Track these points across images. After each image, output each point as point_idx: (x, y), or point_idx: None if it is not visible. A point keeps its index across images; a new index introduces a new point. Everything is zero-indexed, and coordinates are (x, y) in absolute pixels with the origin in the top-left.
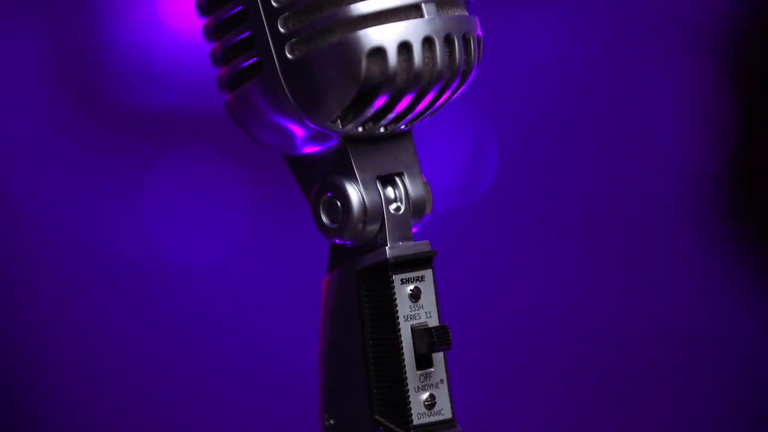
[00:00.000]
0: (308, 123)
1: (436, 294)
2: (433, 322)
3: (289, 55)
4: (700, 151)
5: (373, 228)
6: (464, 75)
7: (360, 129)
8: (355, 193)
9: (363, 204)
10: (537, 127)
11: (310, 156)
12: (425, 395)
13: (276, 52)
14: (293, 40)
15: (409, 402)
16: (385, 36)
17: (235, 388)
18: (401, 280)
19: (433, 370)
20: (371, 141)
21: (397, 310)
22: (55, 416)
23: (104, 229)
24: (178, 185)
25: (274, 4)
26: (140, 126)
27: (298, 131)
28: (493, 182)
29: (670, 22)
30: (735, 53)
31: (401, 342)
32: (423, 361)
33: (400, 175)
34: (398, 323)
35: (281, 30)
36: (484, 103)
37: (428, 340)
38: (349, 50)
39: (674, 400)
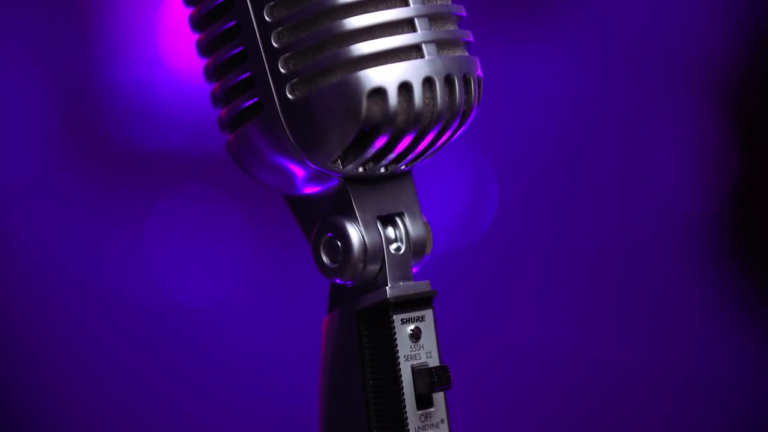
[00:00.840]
0: (309, 163)
1: (436, 334)
2: (434, 362)
3: (289, 96)
4: (700, 191)
5: (373, 268)
6: (464, 115)
7: (360, 169)
8: (355, 233)
9: (363, 244)
10: (537, 168)
11: (310, 196)
12: None
13: (277, 93)
14: (294, 80)
15: None
16: (386, 76)
17: (235, 426)
18: (402, 320)
19: (433, 410)
20: (372, 181)
21: (398, 350)
22: None
23: (105, 267)
24: (179, 225)
25: (275, 44)
26: (141, 166)
27: (298, 171)
28: (493, 223)
29: (671, 62)
30: (735, 94)
31: (402, 382)
32: (423, 401)
33: (401, 215)
34: (399, 363)
35: (282, 70)
36: (485, 143)
37: (429, 380)
38: (350, 90)
39: None
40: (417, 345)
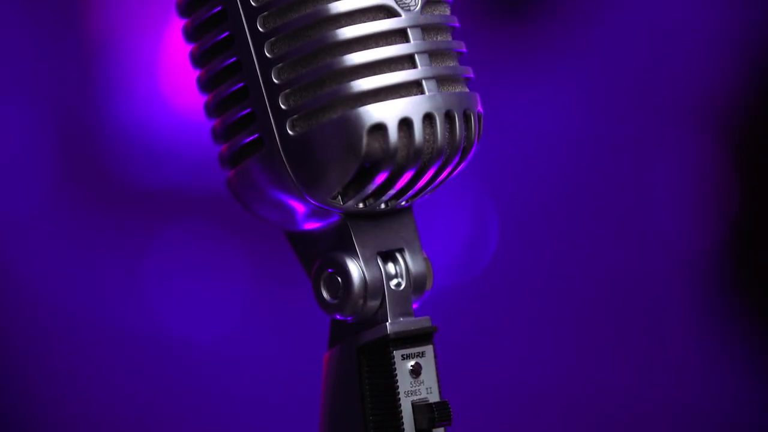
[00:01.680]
0: (309, 199)
1: (436, 370)
2: (434, 397)
3: (290, 132)
4: (700, 228)
5: (373, 304)
6: (465, 151)
7: (361, 205)
8: (355, 269)
9: (364, 280)
10: (537, 203)
11: (310, 232)
12: None
13: (277, 129)
14: (294, 116)
15: None
16: (386, 113)
17: None
18: (402, 355)
19: None
20: (372, 217)
21: (398, 386)
22: None
23: (105, 303)
24: (179, 261)
25: (275, 80)
26: (142, 202)
27: (299, 207)
28: (493, 258)
29: (672, 99)
30: (737, 131)
31: (402, 417)
32: None
33: (401, 251)
34: (399, 399)
35: (282, 106)
36: (485, 178)
37: (429, 415)
38: (350, 126)
39: None
40: (417, 381)
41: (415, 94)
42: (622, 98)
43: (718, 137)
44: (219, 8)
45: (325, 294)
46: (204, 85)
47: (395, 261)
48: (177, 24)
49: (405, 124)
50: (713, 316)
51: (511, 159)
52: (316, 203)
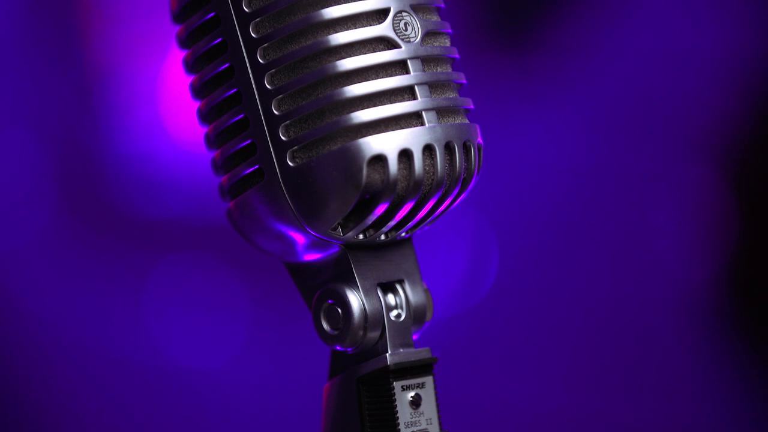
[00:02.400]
0: (309, 230)
1: (436, 401)
2: (434, 429)
3: (290, 163)
4: (700, 258)
5: (373, 335)
6: (465, 183)
7: (361, 236)
8: (356, 300)
9: (364, 311)
10: (536, 233)
11: (311, 263)
12: None
13: (277, 160)
14: (294, 147)
15: None
16: (386, 144)
17: None
18: (402, 386)
19: None
20: (372, 248)
21: (398, 417)
22: None
23: (106, 332)
24: (180, 292)
25: (275, 112)
26: (143, 234)
27: (299, 238)
28: (492, 288)
29: (672, 129)
30: (736, 162)
31: None
32: None
33: (401, 282)
34: (399, 430)
35: (283, 138)
36: (484, 209)
37: None
38: (350, 158)
39: None
40: (417, 412)
41: (415, 126)
42: (622, 128)
43: (718, 167)
44: (219, 40)
45: (325, 325)
46: (204, 116)
47: (395, 292)
48: (177, 55)
49: (405, 155)
50: (712, 346)
51: (510, 190)
52: (316, 234)
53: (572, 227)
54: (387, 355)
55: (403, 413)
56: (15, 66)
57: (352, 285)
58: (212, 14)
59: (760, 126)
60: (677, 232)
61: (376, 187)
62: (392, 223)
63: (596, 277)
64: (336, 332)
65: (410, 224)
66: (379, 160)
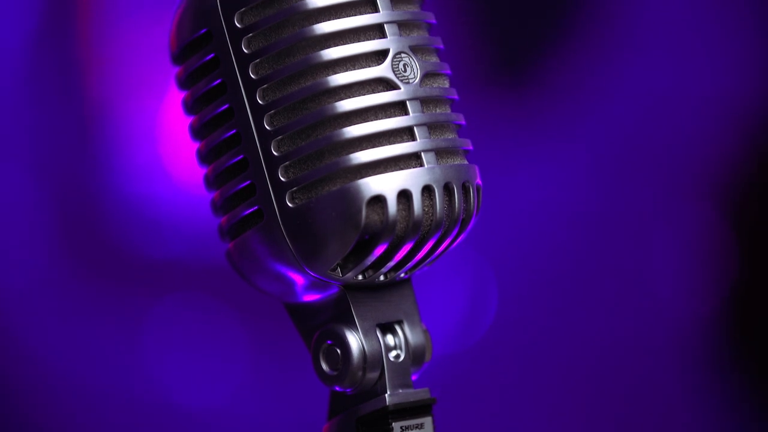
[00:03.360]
0: (308, 271)
1: None
2: None
3: (289, 204)
4: (699, 296)
5: (373, 375)
6: (464, 223)
7: (360, 277)
8: (355, 341)
9: (363, 352)
10: (536, 273)
11: (310, 304)
12: None
13: (276, 201)
14: (294, 188)
15: None
16: (385, 185)
17: None
18: (401, 427)
19: None
20: (371, 289)
21: None
22: None
23: (107, 373)
24: (179, 333)
25: (275, 153)
26: (142, 274)
27: (298, 279)
28: (491, 328)
29: (671, 168)
30: (735, 200)
31: None
32: None
33: (400, 322)
34: None
35: (282, 179)
36: (484, 249)
37: None
38: (349, 199)
39: None
40: None
41: (414, 167)
42: (621, 167)
43: (717, 205)
44: (219, 81)
45: (324, 366)
46: (204, 157)
47: (394, 333)
48: (177, 95)
49: (404, 196)
50: (711, 384)
51: (509, 229)
52: (316, 275)
53: (571, 266)
54: (386, 395)
55: None
56: (14, 105)
57: (351, 326)
58: (212, 55)
59: (758, 165)
60: (676, 270)
61: (376, 228)
62: (391, 263)
63: (595, 315)
64: (335, 373)
65: (409, 265)
66: (378, 200)
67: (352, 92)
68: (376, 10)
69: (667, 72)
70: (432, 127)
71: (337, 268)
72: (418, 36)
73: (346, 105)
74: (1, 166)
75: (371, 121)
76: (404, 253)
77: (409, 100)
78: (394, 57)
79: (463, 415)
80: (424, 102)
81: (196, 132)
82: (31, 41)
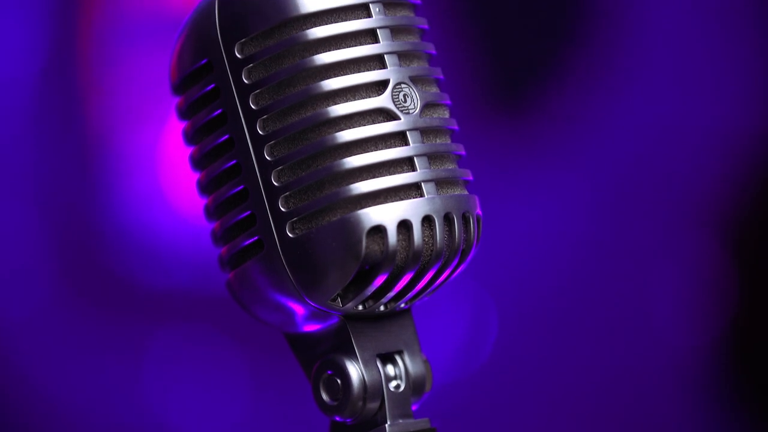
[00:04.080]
0: (308, 301)
1: None
2: None
3: (289, 234)
4: (699, 326)
5: (373, 406)
6: (464, 254)
7: (360, 307)
8: (355, 371)
9: (363, 382)
10: (535, 303)
11: (310, 334)
12: None
13: (277, 231)
14: (294, 219)
15: None
16: (385, 215)
17: None
18: None
19: None
20: (371, 319)
21: None
22: None
23: (107, 404)
24: (180, 364)
25: (275, 183)
26: (143, 304)
27: (298, 309)
28: (491, 357)
29: (671, 197)
30: (735, 230)
31: None
32: None
33: (400, 353)
34: None
35: (282, 209)
36: (484, 279)
37: None
38: (350, 229)
39: None
40: None
41: (414, 197)
42: (622, 197)
43: (717, 235)
44: (219, 111)
45: (324, 396)
46: (204, 187)
47: (394, 363)
48: (177, 125)
49: (404, 226)
50: (710, 414)
51: (509, 259)
52: (316, 305)
53: (571, 295)
54: (386, 426)
55: None
56: (15, 135)
57: (352, 356)
58: (212, 86)
59: (759, 195)
60: (676, 300)
61: (376, 258)
62: (391, 294)
63: (595, 345)
64: (335, 403)
65: (409, 295)
66: (379, 231)
67: (352, 123)
68: (376, 40)
69: (668, 101)
70: (432, 157)
71: (337, 299)
72: (418, 66)
73: (347, 135)
74: (2, 197)
75: (371, 151)
76: (404, 283)
77: (409, 130)
78: (394, 87)
79: None
80: (424, 132)
81: (197, 162)
82: (33, 72)
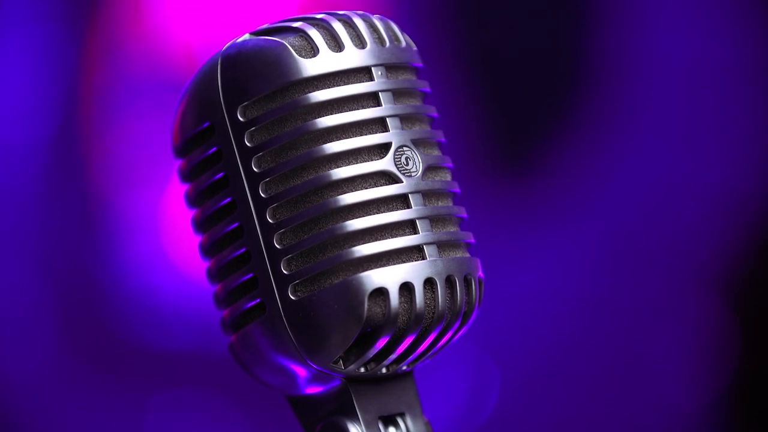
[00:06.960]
0: (311, 363)
1: None
2: None
3: (291, 297)
4: (701, 384)
5: None
6: (465, 316)
7: (362, 369)
8: None
9: None
10: (538, 363)
11: (312, 396)
12: None
13: (279, 294)
14: (296, 281)
15: None
16: (387, 278)
17: None
18: None
19: None
20: (373, 381)
21: None
22: None
23: None
24: (182, 426)
25: (277, 246)
26: (145, 366)
27: (300, 371)
28: (491, 418)
29: (672, 257)
30: (737, 290)
31: None
32: None
33: (402, 415)
34: None
35: (284, 271)
36: (485, 340)
37: None
38: (352, 292)
39: None
40: None
41: (416, 260)
42: (624, 254)
43: (719, 295)
44: (221, 174)
45: None
46: (206, 250)
47: (396, 425)
48: (178, 187)
49: (406, 289)
50: None
51: (511, 321)
52: (318, 368)
53: (572, 356)
54: None
55: None
56: (19, 199)
57: (354, 418)
58: (214, 149)
59: (760, 254)
60: (678, 358)
61: (378, 321)
62: (393, 356)
63: (597, 405)
64: None
65: (411, 357)
66: (381, 293)
67: (354, 185)
68: (378, 104)
69: (670, 162)
70: (434, 220)
71: (339, 361)
72: (420, 129)
73: (349, 198)
74: (5, 259)
75: (373, 214)
76: (406, 345)
77: (411, 193)
78: (396, 150)
79: None
80: (426, 195)
81: (199, 225)
82: (36, 135)
